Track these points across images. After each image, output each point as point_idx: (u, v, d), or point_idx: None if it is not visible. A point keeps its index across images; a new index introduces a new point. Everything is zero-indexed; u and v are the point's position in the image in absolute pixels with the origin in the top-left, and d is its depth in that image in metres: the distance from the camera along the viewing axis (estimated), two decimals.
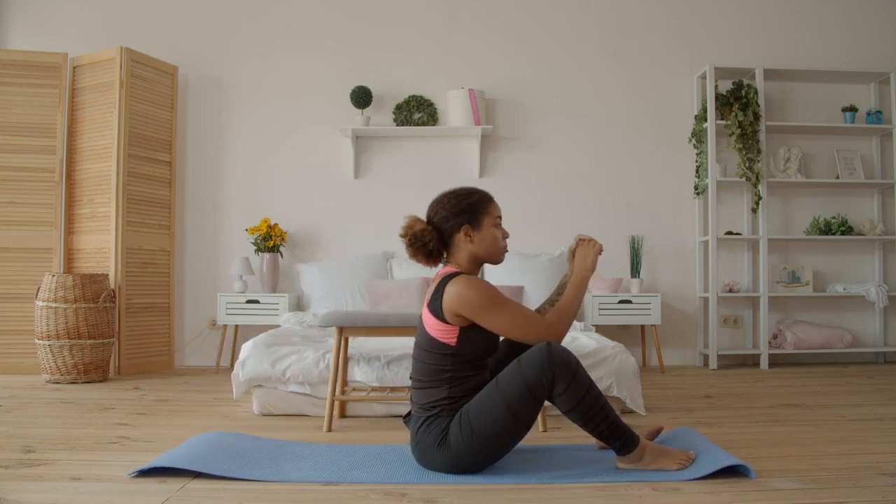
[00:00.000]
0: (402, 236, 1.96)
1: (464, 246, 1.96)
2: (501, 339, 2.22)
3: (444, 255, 2.01)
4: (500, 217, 2.02)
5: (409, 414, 2.03)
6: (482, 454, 1.87)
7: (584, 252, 2.05)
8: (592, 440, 2.28)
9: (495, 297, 1.88)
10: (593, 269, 2.04)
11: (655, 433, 2.24)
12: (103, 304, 3.93)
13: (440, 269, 2.00)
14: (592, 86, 4.79)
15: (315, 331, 3.59)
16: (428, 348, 1.94)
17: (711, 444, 2.12)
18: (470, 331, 1.91)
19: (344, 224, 4.70)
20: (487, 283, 1.91)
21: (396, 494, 1.77)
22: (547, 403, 1.92)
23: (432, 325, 1.93)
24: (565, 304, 1.97)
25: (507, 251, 2.03)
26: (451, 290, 1.88)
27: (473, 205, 1.98)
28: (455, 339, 1.90)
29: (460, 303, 1.86)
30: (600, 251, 2.06)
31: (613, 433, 1.87)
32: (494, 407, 1.83)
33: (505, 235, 2.02)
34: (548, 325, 1.91)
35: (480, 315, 1.87)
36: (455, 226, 1.95)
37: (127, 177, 4.26)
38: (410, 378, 2.01)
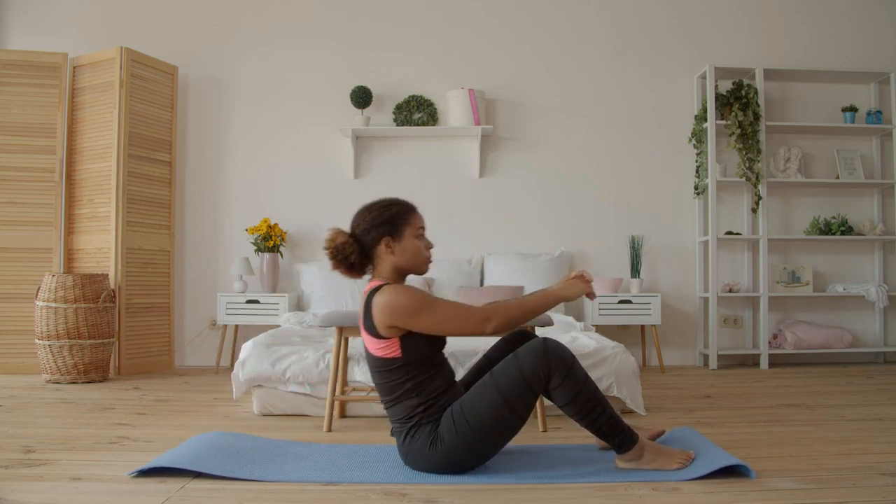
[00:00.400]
0: (325, 249, 1.95)
1: (386, 258, 1.95)
2: (497, 339, 2.23)
3: (369, 269, 1.99)
4: (422, 228, 1.99)
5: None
6: (476, 447, 1.87)
7: (577, 283, 2.02)
8: (593, 440, 2.28)
9: (423, 299, 1.86)
10: (570, 299, 2.01)
11: (657, 436, 2.24)
12: (103, 304, 3.93)
13: (366, 287, 1.98)
14: (592, 86, 4.79)
15: (315, 331, 3.59)
16: (378, 368, 1.94)
17: (711, 444, 2.12)
18: (410, 337, 1.89)
19: (344, 224, 4.64)
20: (413, 287, 1.90)
21: (396, 494, 1.77)
22: (548, 403, 1.93)
23: (373, 345, 1.92)
24: (517, 305, 1.92)
25: (430, 261, 2.01)
26: (378, 302, 1.86)
27: (394, 216, 1.95)
28: (399, 351, 1.89)
29: (390, 312, 1.85)
30: (590, 294, 2.02)
31: (611, 429, 1.87)
32: (489, 398, 1.84)
33: (428, 246, 2.00)
34: (483, 316, 1.88)
35: (413, 319, 1.85)
36: (376, 238, 1.94)
37: (127, 177, 4.26)
38: (380, 399, 2.00)
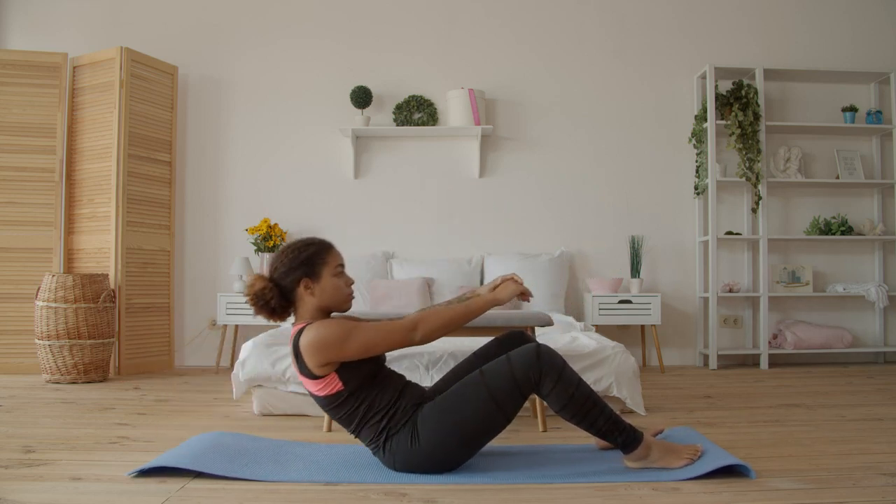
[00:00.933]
0: (245, 295, 1.94)
1: (306, 299, 1.93)
2: (490, 339, 2.23)
3: (292, 311, 1.98)
4: (340, 265, 1.97)
5: None
6: (461, 441, 1.88)
7: (509, 285, 2.03)
8: (592, 440, 2.28)
9: (346, 327, 1.85)
10: (502, 302, 2.01)
11: (656, 436, 2.23)
12: (103, 304, 3.93)
13: (291, 332, 1.96)
14: (592, 86, 4.79)
15: None
16: (328, 406, 1.93)
17: (711, 443, 2.12)
18: (346, 367, 1.89)
19: (344, 224, 4.70)
20: (334, 319, 1.89)
21: (396, 494, 1.77)
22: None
23: (314, 387, 1.91)
24: (444, 312, 1.92)
25: (352, 297, 2.00)
26: (304, 344, 1.86)
27: (310, 257, 1.93)
28: (340, 384, 1.89)
29: (318, 350, 1.84)
30: (524, 294, 2.03)
31: (612, 429, 1.87)
32: (478, 394, 1.86)
33: (349, 283, 1.99)
34: (410, 327, 1.88)
35: (341, 350, 1.84)
36: (294, 280, 1.92)
37: (127, 177, 4.26)
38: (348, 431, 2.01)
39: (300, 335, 1.88)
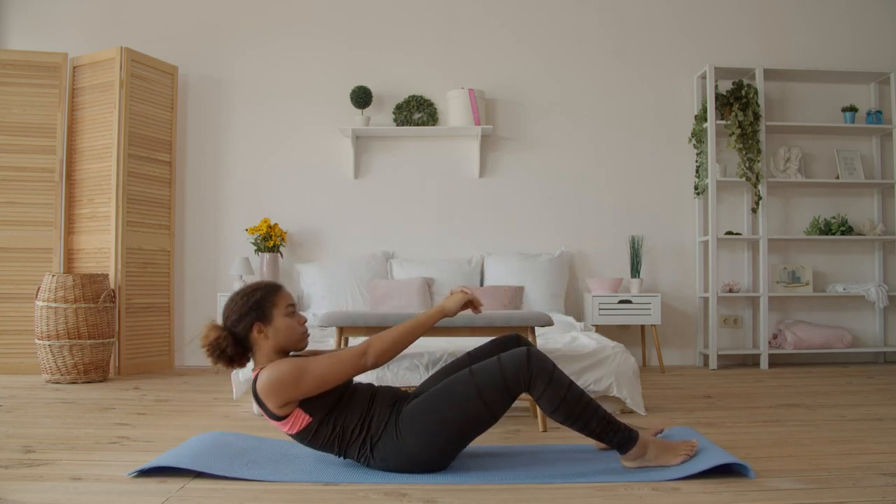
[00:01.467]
0: (202, 346, 1.94)
1: (261, 343, 1.93)
2: (487, 340, 2.24)
3: (251, 356, 1.98)
4: (291, 305, 1.97)
5: None
6: (449, 436, 1.88)
7: (456, 295, 2.04)
8: (591, 440, 2.28)
9: (298, 365, 1.86)
10: (450, 313, 2.01)
11: (656, 434, 2.23)
12: (103, 304, 3.92)
13: (252, 379, 1.96)
14: (592, 86, 4.79)
15: (315, 331, 3.59)
16: (306, 440, 1.93)
17: (710, 443, 2.12)
18: (308, 400, 1.89)
19: (344, 224, 4.70)
20: (286, 359, 1.89)
21: (396, 494, 1.77)
22: None
23: (285, 426, 1.91)
24: (392, 332, 1.93)
25: (307, 335, 2.00)
26: (261, 389, 1.86)
27: (259, 301, 1.93)
28: (307, 416, 1.89)
29: (275, 391, 1.84)
30: (473, 304, 2.04)
31: (606, 430, 1.88)
32: (467, 392, 1.87)
33: (301, 321, 1.99)
34: (359, 353, 1.88)
35: (297, 388, 1.84)
36: (247, 326, 1.92)
37: (127, 177, 4.26)
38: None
39: (256, 381, 1.89)
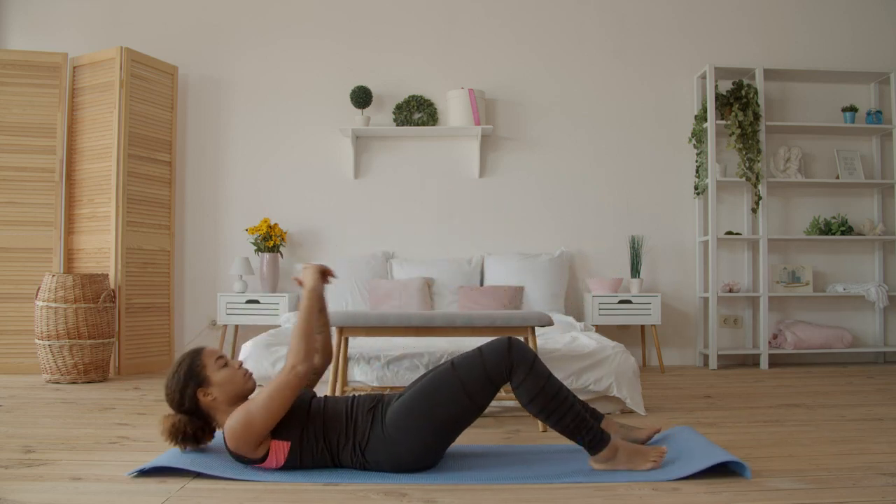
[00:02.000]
0: (165, 440, 1.94)
1: (213, 405, 1.93)
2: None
3: (214, 424, 1.98)
4: (219, 357, 1.97)
5: None
6: (437, 431, 1.89)
7: (307, 271, 2.06)
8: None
9: (244, 406, 1.86)
10: (313, 290, 2.02)
11: (652, 434, 2.24)
12: (103, 304, 3.92)
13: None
14: (592, 86, 4.79)
15: None
16: (297, 464, 1.92)
17: (709, 442, 2.12)
18: (277, 428, 1.89)
19: (344, 224, 4.70)
20: (234, 410, 1.88)
21: (396, 494, 1.77)
22: None
23: (273, 464, 1.91)
24: (293, 335, 1.93)
25: (249, 375, 1.99)
26: (230, 443, 1.86)
27: (188, 370, 1.93)
28: (284, 442, 1.89)
29: (240, 438, 1.84)
30: (322, 271, 2.06)
31: (579, 428, 1.88)
32: (450, 386, 1.89)
33: (237, 366, 1.99)
34: (287, 368, 1.88)
35: (253, 428, 1.84)
36: (191, 397, 1.92)
37: (127, 177, 4.26)
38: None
39: (224, 440, 1.89)
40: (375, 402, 1.97)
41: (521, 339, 2.26)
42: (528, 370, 1.89)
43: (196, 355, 1.97)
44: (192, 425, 1.95)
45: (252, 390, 2.00)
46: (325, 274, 2.09)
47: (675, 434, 2.27)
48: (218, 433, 2.02)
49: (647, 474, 1.89)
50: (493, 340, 1.96)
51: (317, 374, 2.19)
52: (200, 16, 4.79)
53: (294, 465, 1.92)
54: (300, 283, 2.10)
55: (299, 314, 1.98)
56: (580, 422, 1.89)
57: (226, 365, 1.97)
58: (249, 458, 1.90)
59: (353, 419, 1.94)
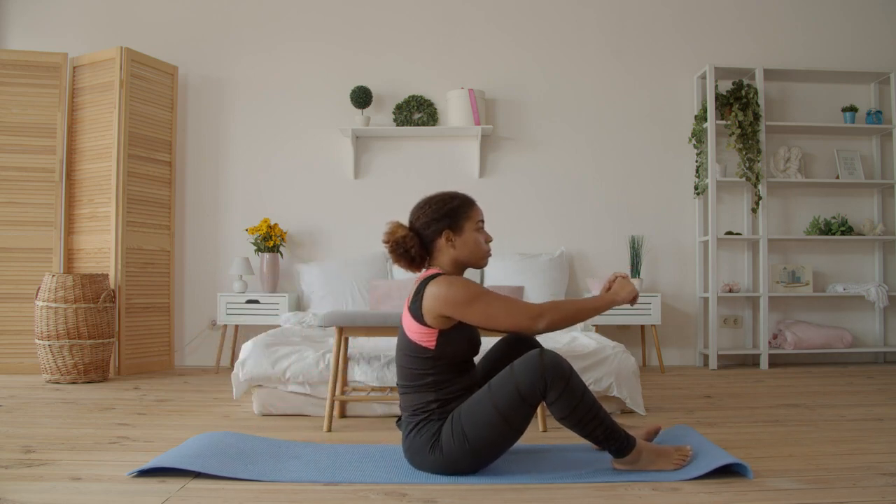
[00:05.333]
0: (385, 242, 1.95)
1: (446, 251, 1.95)
2: (497, 339, 2.23)
3: (428, 260, 1.99)
4: (482, 221, 2.00)
5: (400, 417, 2.03)
6: (475, 457, 1.86)
7: (624, 284, 2.00)
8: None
9: (477, 291, 1.87)
10: (620, 302, 1.98)
11: (654, 433, 2.24)
12: (103, 304, 3.93)
13: (422, 273, 1.98)
14: (593, 86, 4.79)
15: (315, 331, 3.59)
16: (409, 352, 1.93)
17: (709, 442, 2.12)
18: (449, 333, 1.89)
19: (344, 224, 4.70)
20: (467, 280, 1.90)
21: (396, 494, 1.77)
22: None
23: (412, 329, 1.92)
24: (570, 304, 1.91)
25: (490, 255, 2.01)
26: (431, 291, 1.87)
27: (454, 209, 1.96)
28: (434, 343, 1.89)
29: (443, 302, 1.85)
30: (635, 296, 2.00)
31: (608, 437, 1.87)
32: (486, 413, 1.82)
33: (488, 239, 2.01)
34: (537, 311, 1.86)
35: (465, 310, 1.85)
36: (437, 231, 1.94)
37: (127, 177, 4.26)
38: (397, 384, 2.00)
39: (430, 280, 1.89)
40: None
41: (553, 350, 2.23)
42: (562, 389, 1.80)
43: (468, 204, 2.00)
44: (417, 249, 1.95)
45: (480, 268, 2.00)
46: (635, 300, 2.01)
47: (675, 434, 2.27)
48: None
49: (649, 474, 1.89)
50: (525, 356, 1.85)
51: (531, 332, 2.03)
52: (200, 16, 4.79)
53: (407, 350, 1.91)
54: (608, 287, 2.02)
55: (589, 304, 1.92)
56: (610, 433, 1.86)
57: (481, 230, 1.99)
58: (419, 311, 1.87)
59: (448, 401, 1.90)
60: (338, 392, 2.80)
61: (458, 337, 1.91)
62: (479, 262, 1.99)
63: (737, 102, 4.48)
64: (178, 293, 4.69)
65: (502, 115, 4.75)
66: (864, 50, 4.82)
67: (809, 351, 4.49)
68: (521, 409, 1.82)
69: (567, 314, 1.89)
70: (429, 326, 1.89)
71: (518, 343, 2.14)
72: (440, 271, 1.94)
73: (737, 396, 3.35)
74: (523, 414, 1.83)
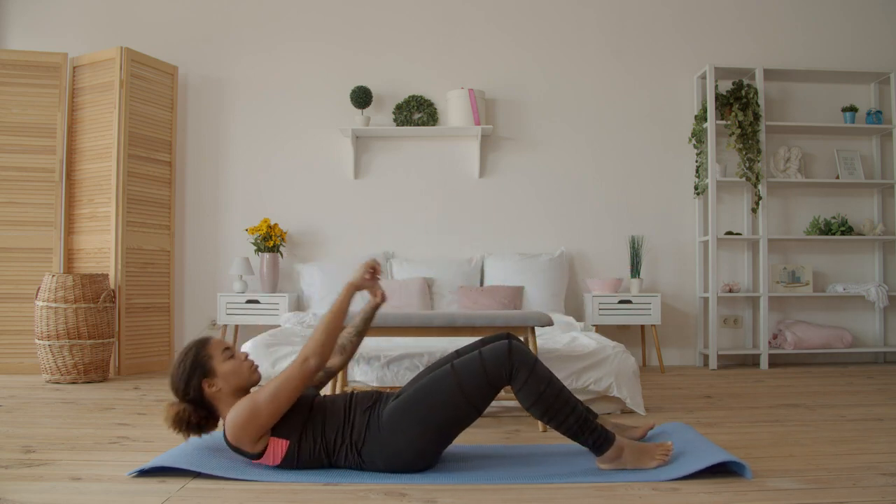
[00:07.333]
0: (169, 427, 1.91)
1: (217, 396, 1.92)
2: (472, 341, 2.26)
3: (217, 412, 1.95)
4: (226, 349, 1.96)
5: None
6: (435, 433, 1.89)
7: (358, 268, 2.04)
8: None
9: (251, 397, 1.86)
10: (358, 286, 2.01)
11: (648, 430, 2.24)
12: (103, 304, 3.92)
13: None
14: (592, 86, 4.79)
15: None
16: (294, 464, 1.92)
17: (708, 442, 2.12)
18: (278, 425, 1.88)
19: (344, 224, 4.70)
20: (238, 400, 1.89)
21: (396, 494, 1.77)
22: None
23: (270, 461, 1.90)
24: (319, 327, 1.91)
25: (254, 366, 1.98)
26: (230, 434, 1.86)
27: (195, 359, 1.91)
28: (284, 441, 1.89)
29: (241, 429, 1.84)
30: (375, 270, 2.04)
31: (583, 429, 1.88)
32: (448, 389, 1.88)
33: (243, 357, 1.98)
34: (300, 360, 1.86)
35: (259, 416, 1.83)
36: (197, 387, 1.90)
37: (127, 177, 4.26)
38: None
39: (224, 430, 1.89)
40: (373, 402, 1.97)
41: (521, 339, 2.25)
42: (528, 373, 1.88)
43: (203, 345, 1.95)
44: (196, 415, 1.93)
45: (256, 382, 1.98)
46: (373, 270, 2.04)
47: (671, 430, 2.27)
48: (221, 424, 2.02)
49: (648, 474, 1.89)
50: (493, 344, 1.95)
51: (328, 375, 2.18)
52: (200, 16, 4.79)
53: (290, 464, 1.92)
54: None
55: (333, 309, 1.94)
56: (583, 423, 1.88)
57: (232, 356, 1.95)
58: (247, 452, 1.89)
59: (351, 418, 1.93)
60: (338, 391, 2.80)
61: (283, 418, 1.88)
62: (249, 379, 1.96)
63: (737, 102, 4.48)
64: (178, 293, 4.69)
65: (502, 115, 4.75)
66: (864, 50, 4.82)
67: (809, 351, 4.49)
68: (483, 390, 1.89)
69: (319, 332, 1.90)
70: (265, 447, 1.88)
71: (492, 341, 2.15)
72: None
73: (737, 396, 3.35)
74: (485, 394, 1.90)
